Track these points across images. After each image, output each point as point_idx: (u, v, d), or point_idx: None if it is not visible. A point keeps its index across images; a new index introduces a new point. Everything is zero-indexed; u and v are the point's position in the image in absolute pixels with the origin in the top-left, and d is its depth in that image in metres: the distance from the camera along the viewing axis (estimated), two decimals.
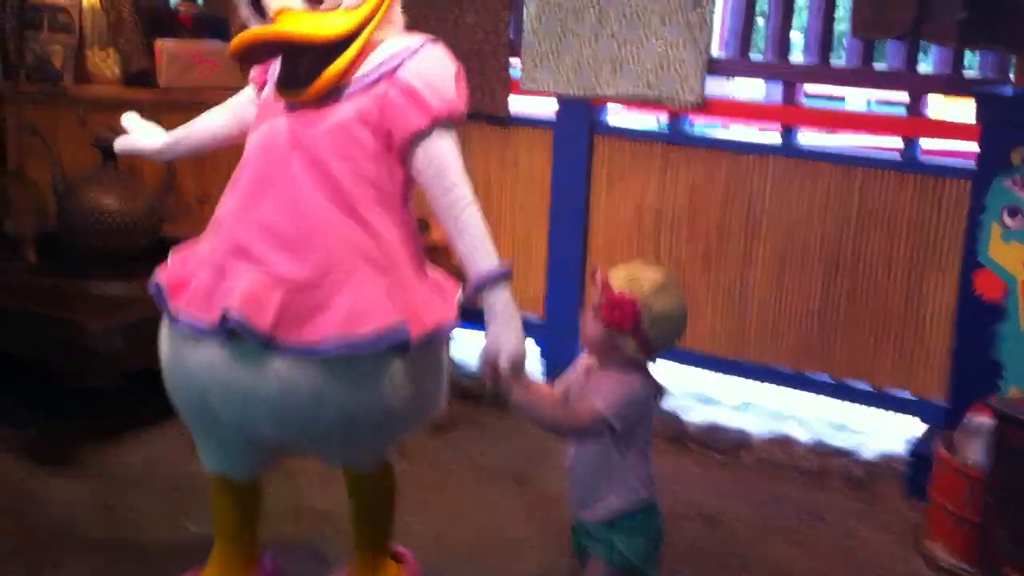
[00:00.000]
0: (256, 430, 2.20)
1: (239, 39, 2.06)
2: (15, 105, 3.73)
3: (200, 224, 3.76)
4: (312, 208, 2.10)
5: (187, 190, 3.79)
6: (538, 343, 4.09)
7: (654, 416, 2.23)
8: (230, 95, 3.80)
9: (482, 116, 4.09)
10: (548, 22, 3.92)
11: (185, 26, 4.06)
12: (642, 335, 2.08)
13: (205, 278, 2.16)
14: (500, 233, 4.06)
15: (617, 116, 4.07)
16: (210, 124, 2.53)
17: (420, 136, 2.12)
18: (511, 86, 4.08)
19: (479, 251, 2.14)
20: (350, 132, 2.12)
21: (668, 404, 3.86)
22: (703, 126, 4.05)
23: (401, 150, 2.14)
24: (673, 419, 3.77)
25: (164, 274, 2.27)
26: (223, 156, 3.77)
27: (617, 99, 3.90)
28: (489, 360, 2.09)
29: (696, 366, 3.96)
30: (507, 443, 3.64)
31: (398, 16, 2.24)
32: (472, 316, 4.04)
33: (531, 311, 4.09)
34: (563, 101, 3.98)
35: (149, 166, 3.72)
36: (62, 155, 3.63)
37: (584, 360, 2.21)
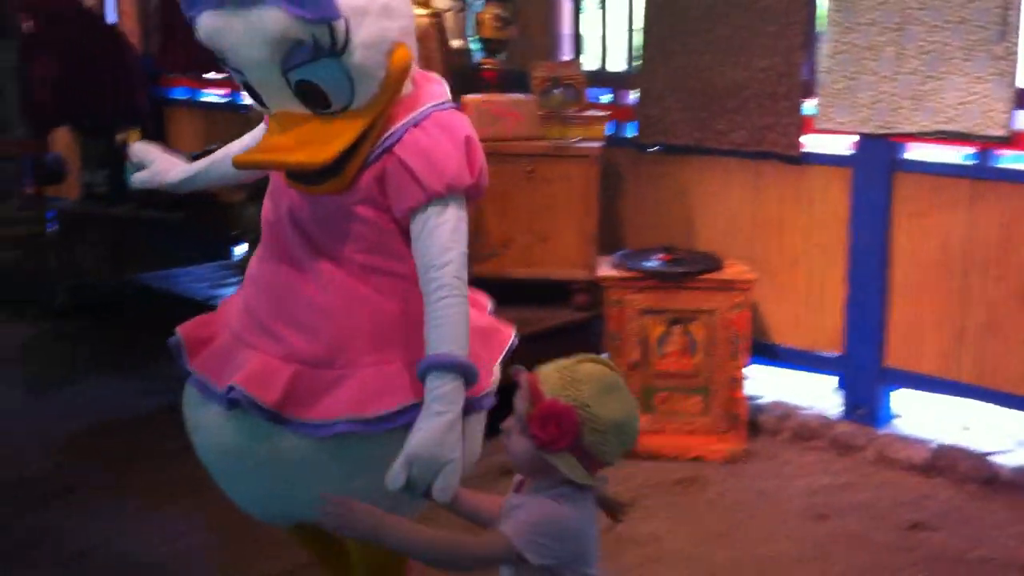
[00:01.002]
0: (244, 497, 2.21)
1: (240, 162, 2.09)
2: None
3: (504, 266, 4.02)
4: (326, 288, 2.08)
5: (491, 234, 4.01)
6: (838, 378, 4.07)
7: (596, 549, 1.81)
8: (533, 146, 4.04)
9: (775, 156, 4.10)
10: (844, 61, 3.89)
11: (490, 82, 4.32)
12: (583, 451, 1.70)
13: (223, 343, 2.19)
14: (793, 271, 4.10)
15: (918, 151, 3.96)
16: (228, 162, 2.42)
17: (415, 212, 2.01)
18: (804, 125, 4.07)
19: (439, 337, 1.95)
20: (355, 213, 2.06)
21: (978, 445, 3.69)
22: (1013, 158, 3.86)
23: (402, 225, 2.06)
24: (984, 462, 3.59)
25: (186, 329, 2.27)
26: (525, 204, 4.01)
27: (918, 135, 3.81)
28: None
29: (1009, 407, 3.76)
30: (804, 478, 3.59)
31: (409, 83, 2.09)
32: (768, 352, 4.05)
33: (826, 348, 4.08)
34: (861, 138, 3.92)
35: None
36: None
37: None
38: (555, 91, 4.23)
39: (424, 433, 1.87)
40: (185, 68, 6.56)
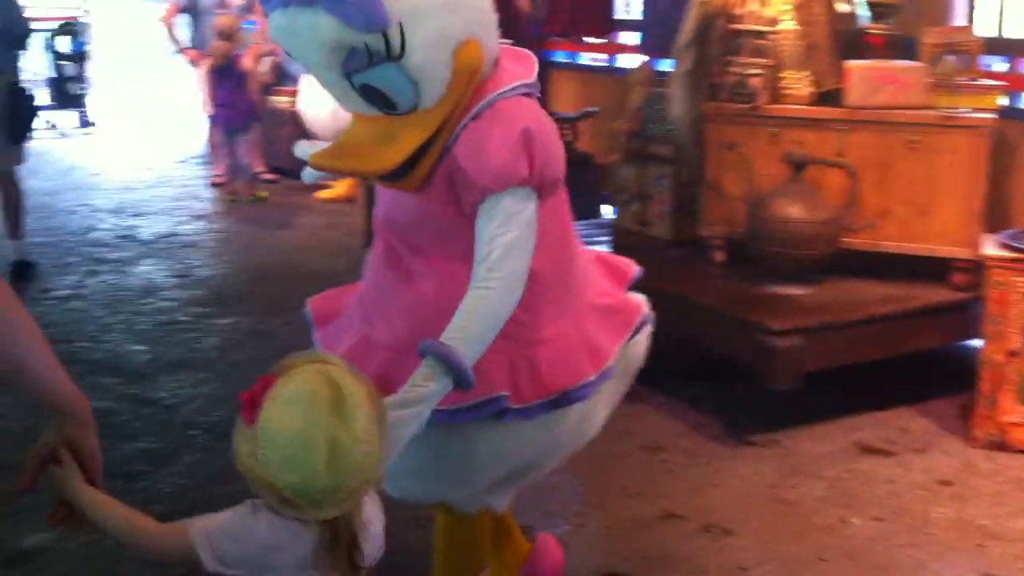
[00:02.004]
0: None
1: (315, 163, 2.04)
2: (716, 124, 4.14)
3: (878, 238, 3.89)
4: (419, 278, 2.08)
5: (868, 205, 3.90)
6: None
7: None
8: (919, 115, 3.87)
9: None
10: None
11: (875, 47, 4.17)
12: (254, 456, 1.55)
13: (340, 321, 2.26)
14: None
15: None
16: None
17: (476, 206, 1.97)
18: None
19: (453, 324, 1.88)
20: (438, 209, 2.04)
21: None
22: None
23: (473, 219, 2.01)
24: None
25: (314, 302, 2.38)
26: (905, 175, 3.86)
27: None
28: None
29: None
30: None
31: (489, 64, 2.00)
32: None
33: None
34: None
35: (834, 180, 3.90)
36: (754, 169, 3.96)
37: None
38: (946, 58, 4.02)
39: None
40: (566, 32, 6.84)
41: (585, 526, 3.06)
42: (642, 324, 2.28)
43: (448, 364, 1.81)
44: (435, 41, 1.88)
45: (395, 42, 1.84)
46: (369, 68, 1.88)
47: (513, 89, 2.00)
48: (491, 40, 2.01)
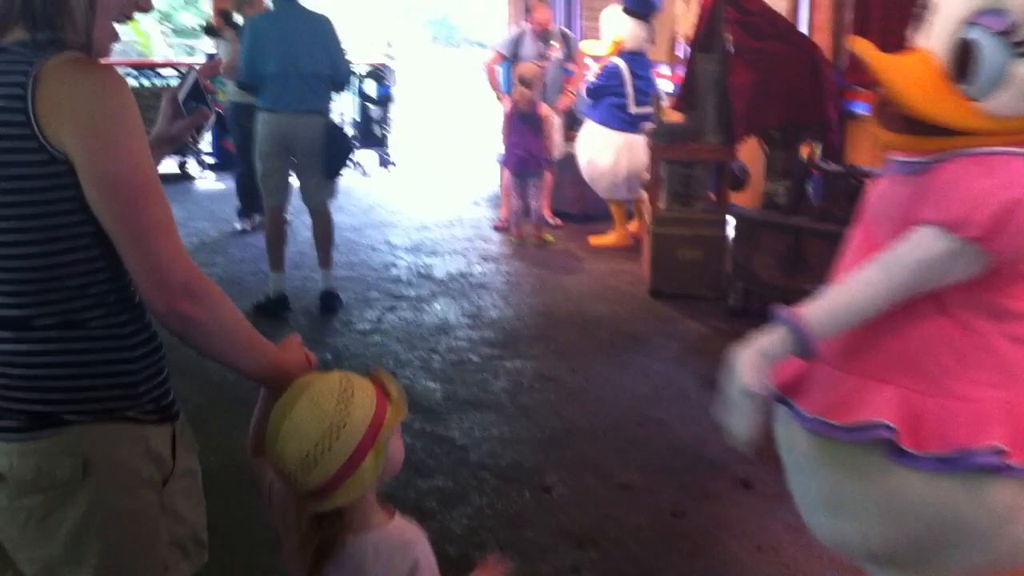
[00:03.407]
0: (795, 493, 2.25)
1: (862, 50, 1.98)
2: None
3: None
4: None
5: None
6: None
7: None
8: None
9: None
10: None
11: None
12: None
13: None
14: None
15: None
16: None
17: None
18: None
19: (819, 299, 1.97)
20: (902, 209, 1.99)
21: None
22: None
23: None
24: None
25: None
26: None
27: None
28: None
29: None
30: None
31: None
32: None
33: None
34: None
35: None
36: None
37: None
38: None
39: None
40: (869, 82, 6.57)
41: None
42: None
43: (794, 331, 1.94)
44: None
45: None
46: (991, 34, 1.83)
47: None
48: None
